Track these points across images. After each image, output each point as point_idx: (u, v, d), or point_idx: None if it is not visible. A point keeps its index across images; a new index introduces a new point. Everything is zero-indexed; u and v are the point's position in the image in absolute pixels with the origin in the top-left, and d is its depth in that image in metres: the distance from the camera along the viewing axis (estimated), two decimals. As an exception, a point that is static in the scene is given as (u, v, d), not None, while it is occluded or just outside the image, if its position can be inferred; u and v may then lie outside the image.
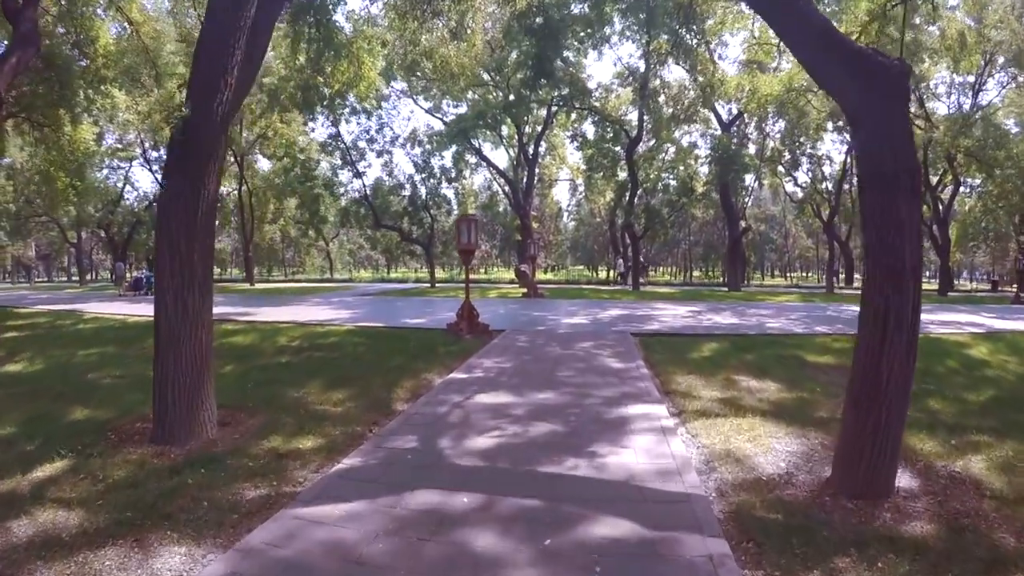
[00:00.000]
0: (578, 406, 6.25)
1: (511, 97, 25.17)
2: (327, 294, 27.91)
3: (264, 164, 43.32)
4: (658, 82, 30.40)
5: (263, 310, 18.90)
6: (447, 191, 36.00)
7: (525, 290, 24.94)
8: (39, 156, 18.96)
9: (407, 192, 34.22)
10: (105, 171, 43.42)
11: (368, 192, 34.30)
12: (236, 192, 40.99)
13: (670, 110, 31.96)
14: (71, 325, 15.75)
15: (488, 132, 31.00)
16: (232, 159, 38.22)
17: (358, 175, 33.48)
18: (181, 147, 5.80)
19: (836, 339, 11.67)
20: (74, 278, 57.20)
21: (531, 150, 33.60)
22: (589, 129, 33.34)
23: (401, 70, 23.68)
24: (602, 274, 65.43)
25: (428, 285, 34.84)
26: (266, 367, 8.89)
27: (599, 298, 24.09)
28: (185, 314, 5.69)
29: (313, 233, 45.92)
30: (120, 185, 45.96)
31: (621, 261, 44.77)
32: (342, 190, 35.72)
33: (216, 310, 18.06)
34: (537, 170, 41.00)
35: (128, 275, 37.36)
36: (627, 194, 32.12)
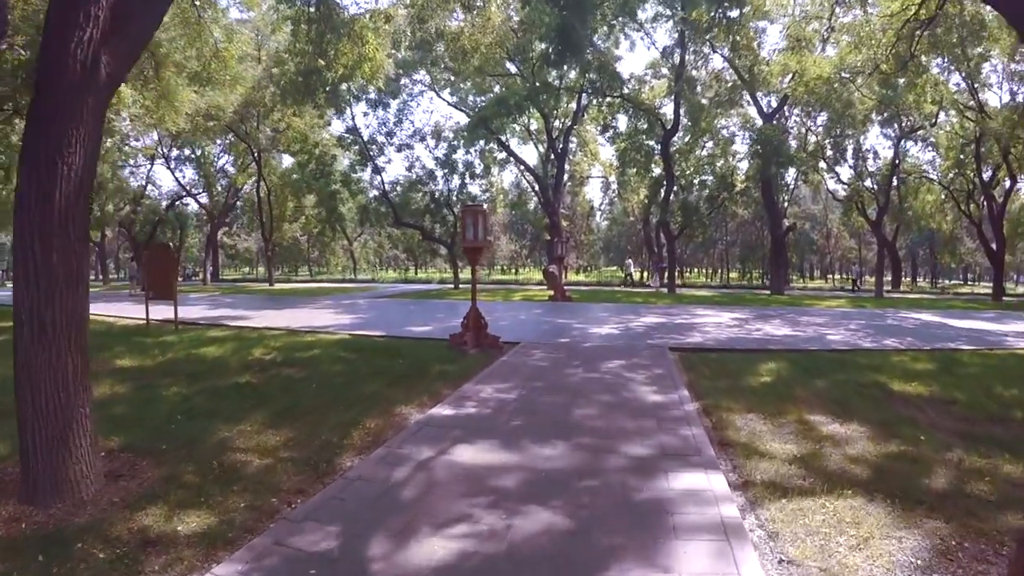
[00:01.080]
0: (597, 474, 4.28)
1: (537, 84, 23.22)
2: (342, 296, 26.42)
3: (288, 161, 42.19)
4: (695, 67, 28.28)
5: (263, 314, 17.48)
6: (473, 188, 34.21)
7: (552, 292, 23.03)
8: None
9: (428, 188, 32.42)
10: (127, 170, 43.05)
11: (388, 189, 32.60)
12: (255, 190, 39.82)
13: (707, 100, 29.70)
14: (58, 329, 14.55)
15: (512, 122, 28.93)
16: (251, 156, 37.10)
17: (377, 171, 31.76)
18: (34, 109, 4.18)
19: (915, 358, 9.61)
20: (101, 276, 57.02)
21: (560, 145, 31.54)
22: (621, 121, 31.34)
23: (409, 50, 21.84)
24: (635, 275, 63.25)
25: (451, 287, 33.08)
26: (215, 391, 7.21)
27: (632, 302, 22.07)
28: (43, 337, 4.07)
29: (331, 231, 44.53)
30: (143, 184, 45.57)
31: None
32: (361, 186, 34.06)
33: (214, 313, 16.91)
34: (568, 167, 39.03)
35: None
36: (662, 190, 30.02)
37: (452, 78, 30.69)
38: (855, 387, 7.27)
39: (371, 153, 31.20)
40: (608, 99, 27.69)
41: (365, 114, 33.95)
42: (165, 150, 42.35)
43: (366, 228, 44.71)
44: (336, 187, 34.10)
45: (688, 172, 33.00)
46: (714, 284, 48.48)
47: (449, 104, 32.98)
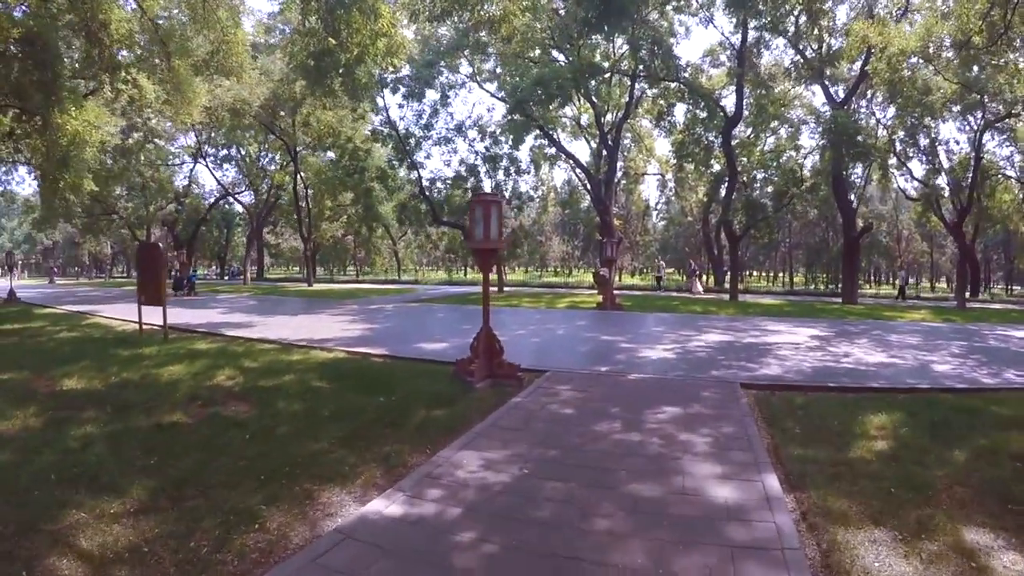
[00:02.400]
0: None
1: (582, 64, 20.81)
2: (374, 299, 24.73)
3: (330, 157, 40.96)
4: (761, 44, 25.50)
5: (272, 321, 15.83)
6: (519, 184, 32.03)
7: (601, 298, 20.63)
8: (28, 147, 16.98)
9: (470, 185, 30.34)
10: (167, 168, 42.91)
11: (426, 185, 30.61)
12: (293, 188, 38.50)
13: (774, 78, 26.81)
14: (55, 332, 13.51)
15: (556, 109, 26.31)
16: (288, 154, 35.85)
17: (413, 166, 29.73)
18: None
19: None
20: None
21: (612, 139, 29.02)
22: (678, 112, 28.72)
23: (430, 21, 19.60)
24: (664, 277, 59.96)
25: (495, 289, 30.84)
26: (126, 436, 5.49)
27: (690, 311, 19.52)
28: None
29: (368, 230, 42.98)
30: (185, 183, 45.42)
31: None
32: (399, 183, 32.10)
33: (223, 318, 15.14)
34: (621, 163, 36.52)
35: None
36: (723, 187, 27.31)
37: (497, 70, 28.70)
38: (1009, 463, 4.87)
39: (407, 148, 29.25)
40: (663, 84, 25.16)
41: (400, 106, 31.58)
42: (211, 149, 41.98)
43: (408, 227, 43.08)
44: (371, 184, 32.45)
45: (752, 166, 30.10)
46: (778, 290, 45.04)
47: (493, 95, 30.82)
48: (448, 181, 30.87)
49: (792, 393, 7.27)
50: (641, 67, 22.02)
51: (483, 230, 7.51)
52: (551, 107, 24.58)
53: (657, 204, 60.25)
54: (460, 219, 31.64)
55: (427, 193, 30.10)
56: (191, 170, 45.02)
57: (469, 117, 31.84)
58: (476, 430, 5.53)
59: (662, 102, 28.14)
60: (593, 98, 26.29)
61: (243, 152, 43.11)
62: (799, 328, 14.66)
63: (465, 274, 65.34)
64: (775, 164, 28.76)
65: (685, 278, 36.58)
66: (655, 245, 67.90)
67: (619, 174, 36.94)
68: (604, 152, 29.92)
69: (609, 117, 30.37)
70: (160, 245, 13.15)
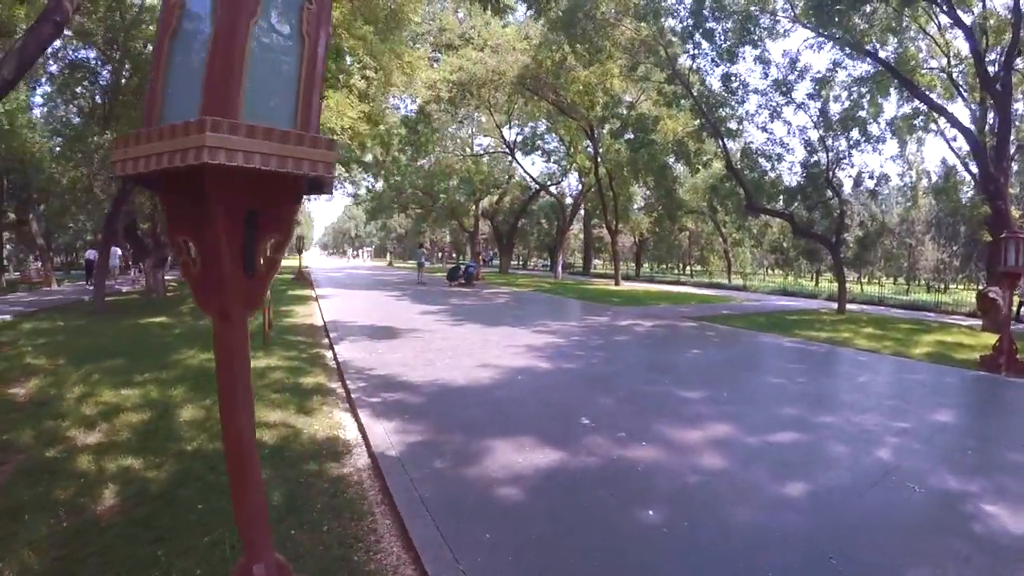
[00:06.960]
0: None
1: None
2: (648, 309, 19.36)
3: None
4: None
5: (450, 331, 12.46)
6: (877, 160, 22.95)
7: (994, 343, 10.84)
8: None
9: (801, 159, 22.36)
10: (485, 161, 43.53)
11: (736, 159, 23.02)
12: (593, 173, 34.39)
13: None
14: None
15: (887, 10, 16.58)
16: (584, 133, 31.58)
17: (717, 135, 22.67)
18: None
19: None
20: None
21: (1000, 84, 17.98)
22: None
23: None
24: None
25: (835, 306, 21.36)
26: None
27: None
28: None
29: (669, 221, 36.39)
30: (506, 176, 45.50)
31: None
32: (704, 159, 25.05)
33: (414, 321, 12.57)
34: (1018, 122, 24.01)
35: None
36: None
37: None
38: None
39: (705, 110, 22.13)
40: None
41: (692, 57, 22.41)
42: (529, 141, 41.50)
43: (725, 216, 35.39)
44: (667, 159, 26.04)
45: None
46: None
47: (819, 35, 21.74)
48: (768, 153, 23.16)
49: None
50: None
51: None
52: (887, 10, 15.81)
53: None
54: (786, 208, 23.89)
55: (736, 170, 22.79)
56: (509, 163, 44.76)
57: (792, 63, 21.89)
58: None
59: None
60: (959, 14, 16.80)
61: (564, 141, 41.14)
62: None
63: (816, 282, 51.84)
64: None
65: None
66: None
67: (1015, 145, 23.83)
68: (990, 108, 19.23)
69: (993, 54, 19.42)
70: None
